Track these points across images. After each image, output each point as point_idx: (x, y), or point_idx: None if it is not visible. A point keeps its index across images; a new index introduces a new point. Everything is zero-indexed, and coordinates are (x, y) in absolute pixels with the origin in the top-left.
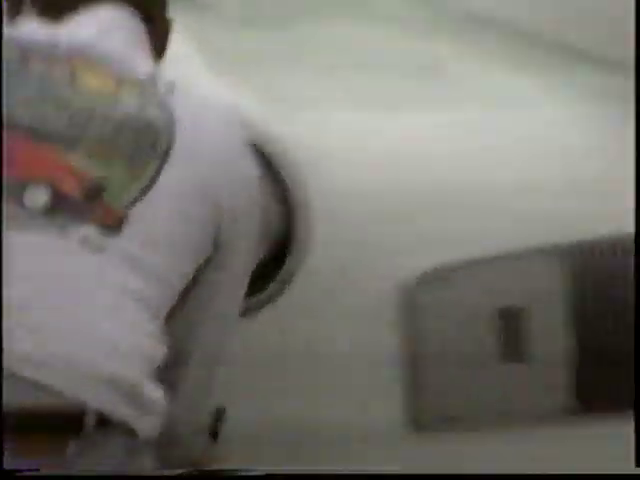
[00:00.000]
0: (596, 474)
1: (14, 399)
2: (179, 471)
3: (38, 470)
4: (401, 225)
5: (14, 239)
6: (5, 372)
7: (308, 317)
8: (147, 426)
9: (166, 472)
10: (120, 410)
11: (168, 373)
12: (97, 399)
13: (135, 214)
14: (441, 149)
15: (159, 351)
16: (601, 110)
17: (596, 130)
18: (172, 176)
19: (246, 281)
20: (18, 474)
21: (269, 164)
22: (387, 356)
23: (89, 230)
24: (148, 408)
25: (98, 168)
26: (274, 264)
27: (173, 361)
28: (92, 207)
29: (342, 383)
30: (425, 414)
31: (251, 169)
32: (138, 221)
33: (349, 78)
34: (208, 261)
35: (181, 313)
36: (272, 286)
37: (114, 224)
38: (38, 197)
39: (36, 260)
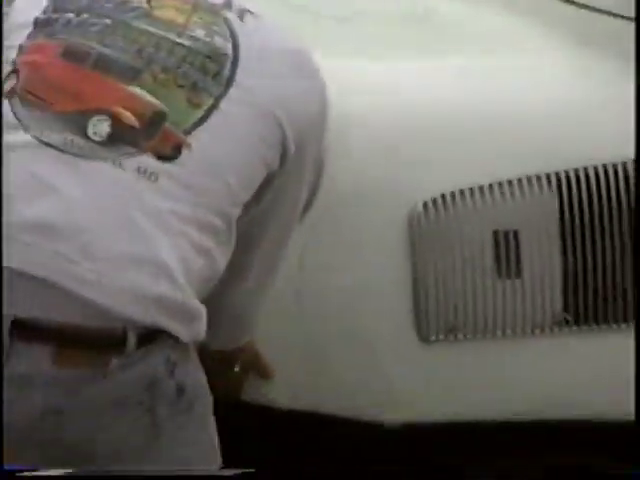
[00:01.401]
0: (596, 474)
1: (64, 313)
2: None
3: (37, 470)
4: (407, 157)
5: (79, 167)
6: (58, 288)
7: (321, 247)
8: (192, 332)
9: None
10: (164, 323)
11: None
12: (144, 316)
13: (194, 140)
14: (438, 88)
15: (213, 271)
16: (587, 50)
17: (581, 69)
18: (234, 103)
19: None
20: (18, 474)
21: None
22: (397, 276)
23: (145, 160)
24: (193, 317)
25: (159, 97)
26: None
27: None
28: (151, 135)
29: (358, 300)
30: (430, 326)
31: (314, 96)
32: (196, 147)
33: (347, 27)
34: (274, 175)
35: (245, 222)
36: None
37: (171, 151)
38: (100, 129)
39: (94, 188)
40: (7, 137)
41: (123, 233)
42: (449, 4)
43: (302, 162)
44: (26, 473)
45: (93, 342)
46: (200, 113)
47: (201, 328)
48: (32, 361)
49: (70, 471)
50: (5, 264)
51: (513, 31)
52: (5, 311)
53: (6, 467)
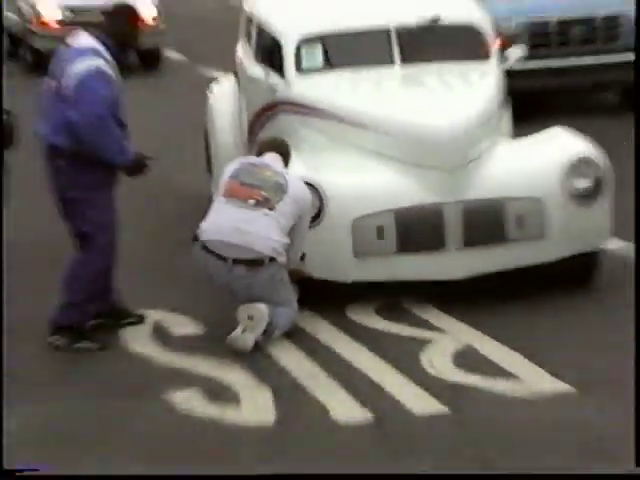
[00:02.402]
0: (596, 474)
1: (244, 254)
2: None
3: (37, 470)
4: (351, 210)
5: (238, 212)
6: (244, 247)
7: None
8: (284, 260)
9: (170, 472)
10: (276, 255)
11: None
12: (270, 253)
13: (277, 207)
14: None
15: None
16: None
17: None
18: (287, 199)
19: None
20: (18, 474)
21: (316, 189)
22: (347, 240)
23: (266, 210)
24: (283, 254)
25: (269, 194)
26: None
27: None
28: (266, 202)
29: (337, 246)
30: (359, 252)
31: (309, 199)
32: (278, 209)
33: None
34: (296, 222)
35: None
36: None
37: (271, 208)
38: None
39: (246, 218)
40: (226, 206)
41: (265, 231)
42: None
43: (304, 218)
44: (26, 473)
45: (258, 262)
46: (279, 198)
47: (284, 261)
48: (238, 271)
49: (70, 473)
50: (223, 239)
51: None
52: (229, 255)
53: (6, 467)
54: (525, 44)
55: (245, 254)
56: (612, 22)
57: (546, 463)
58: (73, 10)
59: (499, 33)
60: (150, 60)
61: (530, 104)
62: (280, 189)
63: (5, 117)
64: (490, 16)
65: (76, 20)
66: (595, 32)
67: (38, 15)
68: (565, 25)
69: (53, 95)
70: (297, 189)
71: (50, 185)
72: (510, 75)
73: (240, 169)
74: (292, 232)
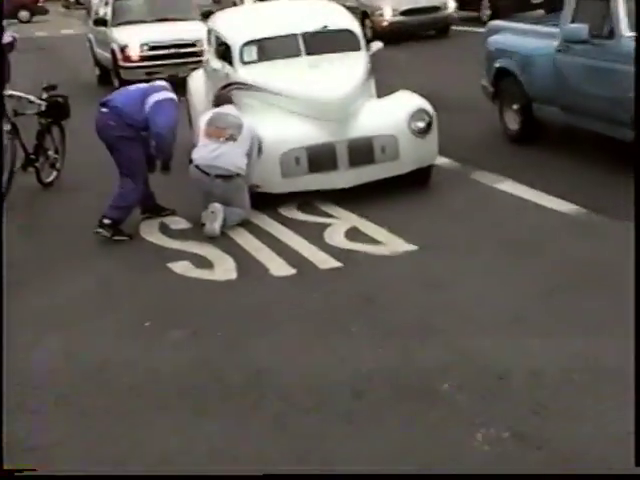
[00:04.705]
0: (596, 474)
1: (215, 172)
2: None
3: (37, 470)
4: (277, 139)
5: (215, 146)
6: (219, 167)
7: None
8: (245, 172)
9: (170, 472)
10: (240, 172)
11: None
12: (237, 170)
13: (238, 138)
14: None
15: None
16: None
17: None
18: (244, 131)
19: (257, 149)
20: (17, 474)
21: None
22: (277, 170)
23: (239, 140)
24: (244, 170)
25: (233, 131)
26: None
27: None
28: (231, 137)
29: (270, 171)
30: (286, 174)
31: (255, 129)
32: (239, 139)
33: None
34: (251, 145)
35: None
36: None
37: (235, 140)
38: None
39: (220, 150)
40: (207, 142)
41: (233, 157)
42: None
43: (254, 143)
44: (25, 473)
45: (229, 176)
46: (239, 132)
47: (244, 176)
48: (217, 182)
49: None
50: (207, 163)
51: None
52: (211, 172)
53: (6, 467)
54: None
55: (221, 172)
56: None
57: (394, 288)
58: (150, 46)
59: None
60: None
61: None
62: (239, 126)
63: (62, 99)
64: None
65: (152, 54)
66: None
67: (124, 52)
68: None
69: None
70: (247, 124)
71: None
72: None
73: (213, 118)
74: (249, 157)
